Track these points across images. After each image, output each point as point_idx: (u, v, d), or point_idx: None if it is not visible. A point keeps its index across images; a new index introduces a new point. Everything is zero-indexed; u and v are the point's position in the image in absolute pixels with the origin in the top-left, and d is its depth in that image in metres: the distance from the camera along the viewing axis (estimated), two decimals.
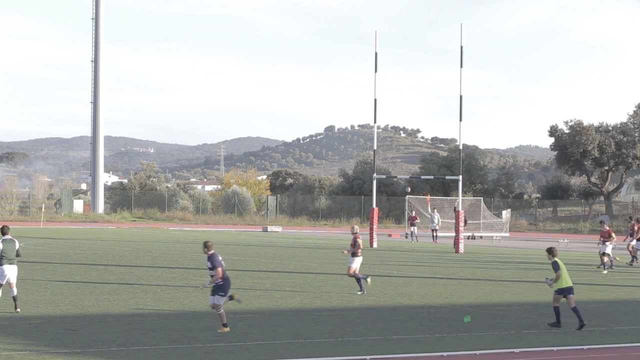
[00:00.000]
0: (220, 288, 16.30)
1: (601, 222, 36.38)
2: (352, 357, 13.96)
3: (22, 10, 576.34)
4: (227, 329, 16.10)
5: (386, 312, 19.82)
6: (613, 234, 34.19)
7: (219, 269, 16.17)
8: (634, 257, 37.53)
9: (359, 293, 23.18)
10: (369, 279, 23.72)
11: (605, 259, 33.75)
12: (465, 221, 58.36)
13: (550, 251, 18.33)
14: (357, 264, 23.50)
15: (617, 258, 35.09)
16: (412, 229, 55.84)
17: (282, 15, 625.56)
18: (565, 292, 17.95)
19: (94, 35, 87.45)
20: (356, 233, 23.62)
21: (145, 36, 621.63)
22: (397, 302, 21.97)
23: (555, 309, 18.00)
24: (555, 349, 15.36)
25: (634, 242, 37.43)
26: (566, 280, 17.99)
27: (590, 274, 32.21)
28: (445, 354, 14.41)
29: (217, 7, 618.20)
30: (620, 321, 19.29)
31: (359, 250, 23.48)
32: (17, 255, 18.73)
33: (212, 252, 16.34)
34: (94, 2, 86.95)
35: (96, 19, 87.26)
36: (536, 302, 22.58)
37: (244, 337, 15.55)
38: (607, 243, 33.81)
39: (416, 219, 57.69)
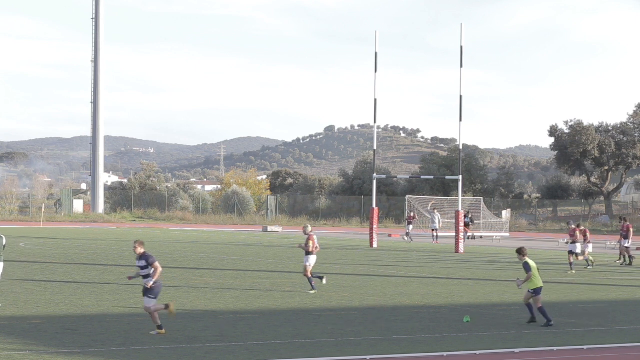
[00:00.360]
0: (150, 290, 15.79)
1: (568, 222, 36.13)
2: (352, 357, 13.96)
3: (22, 10, 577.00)
4: (162, 331, 15.63)
5: (386, 312, 19.82)
6: (578, 233, 33.43)
7: (157, 263, 15.70)
8: (630, 256, 37.53)
9: (312, 292, 23.22)
10: (324, 280, 23.98)
11: (580, 257, 33.46)
12: (472, 221, 58.28)
13: (520, 251, 18.36)
14: (312, 262, 23.60)
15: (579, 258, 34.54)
16: (409, 227, 55.74)
17: (282, 15, 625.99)
18: (539, 291, 18.17)
19: (94, 35, 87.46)
20: (310, 233, 23.72)
21: (145, 36, 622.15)
22: (397, 302, 21.96)
23: (540, 310, 18.12)
24: (555, 349, 15.36)
25: (628, 243, 37.45)
26: (539, 280, 18.22)
27: (591, 274, 32.20)
28: (445, 354, 14.41)
29: (217, 7, 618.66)
30: (620, 321, 19.28)
31: (314, 249, 23.61)
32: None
33: (143, 250, 15.93)
34: (94, 2, 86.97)
35: (96, 19, 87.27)
36: None
37: (244, 337, 15.55)
38: (577, 243, 33.37)
39: (414, 218, 57.59)
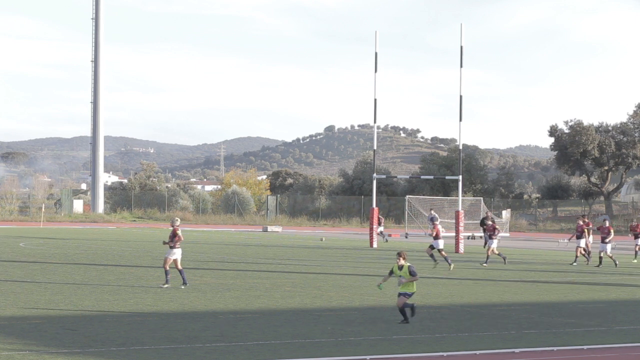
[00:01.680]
0: None
1: (432, 218, 37.01)
2: (352, 357, 13.95)
3: (22, 10, 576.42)
4: None
5: (386, 312, 19.80)
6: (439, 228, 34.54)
7: None
8: (576, 256, 36.98)
9: (165, 286, 23.13)
10: (166, 286, 23.37)
11: (444, 253, 33.54)
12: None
13: (400, 254, 17.85)
14: (176, 255, 23.50)
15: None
16: (380, 229, 55.21)
17: (282, 15, 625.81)
18: (410, 295, 17.70)
19: (94, 35, 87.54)
20: (176, 226, 23.59)
21: (145, 36, 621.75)
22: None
23: (402, 309, 17.82)
24: (555, 349, 15.35)
25: (583, 242, 37.19)
26: (414, 286, 17.83)
27: (591, 275, 32.21)
28: (445, 354, 14.40)
29: (217, 7, 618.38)
30: (620, 321, 19.27)
31: (178, 243, 23.47)
32: None
33: None
34: (94, 2, 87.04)
35: (96, 19, 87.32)
36: (536, 302, 22.59)
37: (244, 337, 15.55)
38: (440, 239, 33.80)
39: (380, 218, 57.13)
